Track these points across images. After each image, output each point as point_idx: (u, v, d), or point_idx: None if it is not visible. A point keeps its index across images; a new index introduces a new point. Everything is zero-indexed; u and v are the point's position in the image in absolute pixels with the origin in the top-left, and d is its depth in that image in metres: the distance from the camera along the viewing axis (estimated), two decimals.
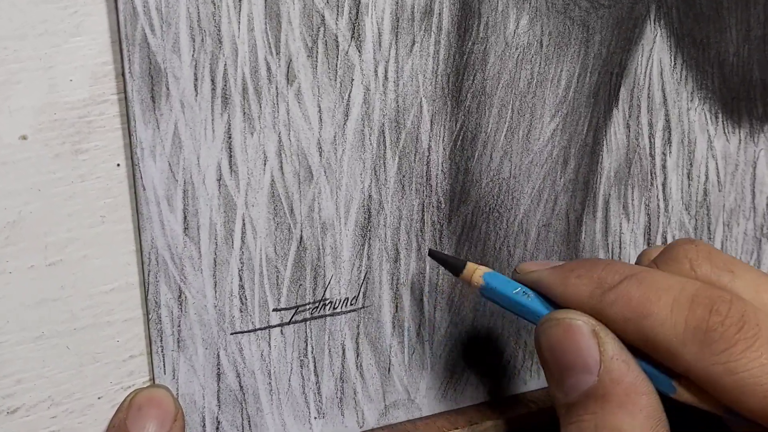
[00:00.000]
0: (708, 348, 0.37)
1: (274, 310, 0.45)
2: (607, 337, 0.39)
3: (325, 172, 0.44)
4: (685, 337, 0.37)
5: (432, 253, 0.46)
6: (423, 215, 0.47)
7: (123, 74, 0.40)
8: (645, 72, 0.51)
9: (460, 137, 0.47)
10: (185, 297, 0.43)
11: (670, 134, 0.52)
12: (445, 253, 0.47)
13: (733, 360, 0.37)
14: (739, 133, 0.54)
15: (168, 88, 0.41)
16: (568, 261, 0.43)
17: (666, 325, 0.38)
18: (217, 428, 0.45)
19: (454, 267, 0.44)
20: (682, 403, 0.39)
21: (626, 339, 0.39)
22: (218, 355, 0.44)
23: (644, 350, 0.39)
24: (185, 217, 0.42)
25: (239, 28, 0.41)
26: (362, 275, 0.46)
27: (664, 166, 0.52)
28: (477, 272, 0.43)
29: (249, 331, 0.45)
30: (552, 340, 0.40)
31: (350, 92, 0.44)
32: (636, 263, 0.44)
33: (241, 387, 0.45)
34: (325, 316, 0.46)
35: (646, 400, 0.38)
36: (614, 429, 0.38)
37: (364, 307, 0.47)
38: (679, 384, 0.39)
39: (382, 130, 0.45)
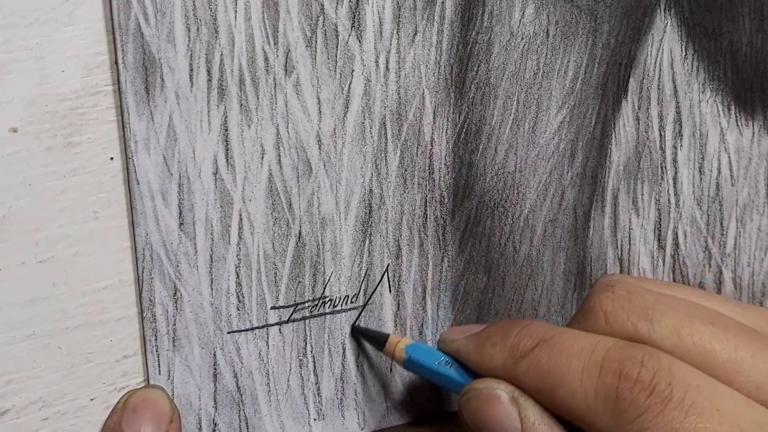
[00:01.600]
0: (620, 417, 0.37)
1: (272, 308, 0.45)
2: (526, 403, 0.39)
3: (324, 165, 0.44)
4: (596, 407, 0.37)
5: (354, 330, 0.46)
6: (425, 210, 0.47)
7: (116, 65, 0.40)
8: (655, 62, 0.51)
9: (464, 130, 0.47)
10: (181, 295, 0.43)
11: (681, 127, 0.52)
12: (367, 327, 0.47)
13: (646, 428, 0.36)
14: (753, 125, 0.54)
15: (163, 79, 0.41)
16: (488, 326, 0.43)
17: (577, 395, 0.38)
18: (214, 430, 0.45)
19: (377, 341, 0.45)
20: None
21: (544, 407, 0.39)
22: (215, 355, 0.44)
23: (562, 418, 0.39)
24: (180, 212, 0.42)
25: (236, 17, 0.41)
26: (363, 272, 0.46)
27: (674, 160, 0.52)
28: (399, 345, 0.45)
29: (246, 330, 0.45)
30: (473, 411, 0.41)
31: (350, 83, 0.44)
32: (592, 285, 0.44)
33: (238, 388, 0.45)
34: (325, 314, 0.46)
35: None
36: None
37: (365, 305, 0.47)
38: None
39: (384, 123, 0.45)
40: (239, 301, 0.44)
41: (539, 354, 0.39)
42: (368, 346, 0.47)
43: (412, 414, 0.49)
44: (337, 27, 0.43)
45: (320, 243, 0.45)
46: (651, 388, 0.37)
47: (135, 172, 0.41)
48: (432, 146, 0.46)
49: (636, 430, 0.36)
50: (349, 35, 0.43)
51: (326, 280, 0.46)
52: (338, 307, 0.46)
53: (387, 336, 0.45)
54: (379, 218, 0.46)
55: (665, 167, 0.52)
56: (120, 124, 0.41)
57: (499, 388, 0.40)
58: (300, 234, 0.45)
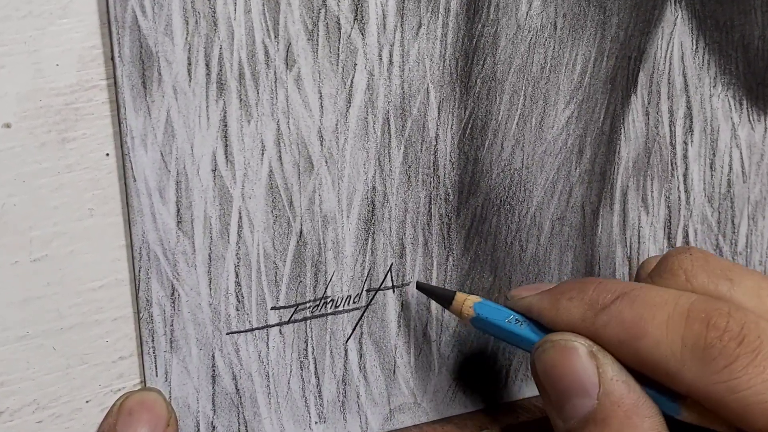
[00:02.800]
0: (708, 366, 0.37)
1: (272, 308, 0.45)
2: (605, 359, 0.39)
3: (326, 162, 0.44)
4: (683, 356, 0.37)
5: (420, 286, 0.46)
6: (430, 208, 0.47)
7: (112, 58, 0.40)
8: (665, 56, 0.51)
9: (470, 125, 0.47)
10: (178, 294, 0.43)
11: (692, 122, 0.52)
12: (433, 284, 0.47)
13: (735, 377, 0.36)
14: (765, 120, 0.54)
15: (160, 73, 0.41)
16: (561, 283, 0.43)
17: (662, 345, 0.38)
18: None
19: (443, 298, 0.45)
20: (689, 424, 0.39)
21: (623, 361, 0.39)
22: (213, 356, 0.44)
23: (642, 372, 0.39)
24: (178, 210, 0.42)
25: (235, 9, 0.41)
26: (366, 271, 0.46)
27: (685, 156, 0.52)
28: (467, 302, 0.44)
29: (246, 331, 0.45)
30: (548, 364, 0.40)
31: (353, 78, 0.44)
32: (636, 274, 0.44)
33: (237, 390, 0.45)
34: (327, 314, 0.46)
35: (649, 423, 0.38)
36: None
37: (367, 305, 0.47)
38: (684, 405, 0.39)
39: (387, 118, 0.45)
40: (238, 302, 0.44)
41: (621, 306, 0.39)
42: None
43: (416, 417, 0.49)
44: (339, 20, 0.43)
45: (322, 242, 0.45)
46: (741, 338, 0.37)
47: (131, 168, 0.41)
48: (437, 142, 0.46)
49: (725, 379, 0.36)
50: (352, 28, 0.43)
51: (328, 279, 0.46)
52: (340, 308, 0.46)
53: (454, 293, 0.45)
54: (382, 216, 0.46)
55: (675, 163, 0.52)
56: (116, 120, 0.41)
57: (577, 341, 0.40)
58: (301, 232, 0.45)
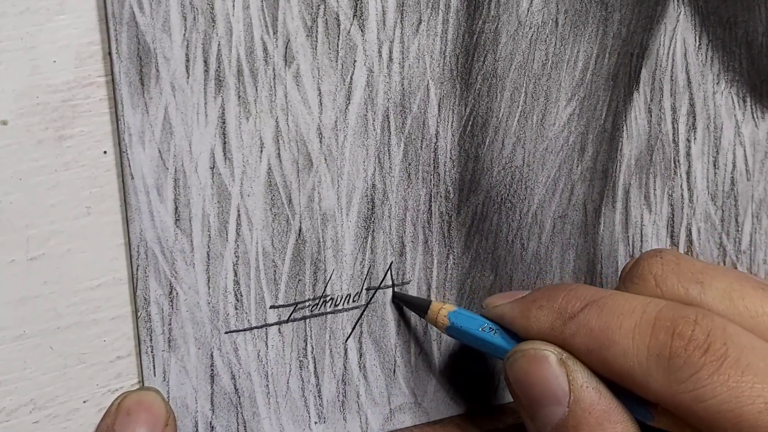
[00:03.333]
0: (673, 375, 0.37)
1: (271, 307, 0.45)
2: (575, 365, 0.40)
3: (325, 159, 0.44)
4: (648, 365, 0.38)
5: (395, 296, 0.47)
6: (430, 206, 0.47)
7: (110, 55, 0.40)
8: (668, 53, 0.51)
9: (470, 122, 0.47)
10: (176, 293, 0.43)
11: (695, 119, 0.52)
12: (407, 294, 0.48)
13: (701, 386, 0.37)
14: None
15: (158, 70, 0.41)
16: (534, 290, 0.43)
17: (628, 354, 0.38)
18: None
19: (419, 308, 0.46)
20: (661, 430, 0.39)
21: (593, 369, 0.40)
22: (212, 356, 0.44)
23: (612, 380, 0.39)
24: (176, 208, 0.42)
25: (234, 5, 0.41)
26: (365, 270, 0.46)
27: (688, 154, 0.52)
28: (442, 311, 0.45)
29: (245, 330, 0.45)
30: (519, 373, 0.41)
31: (352, 74, 0.44)
32: (619, 279, 0.44)
33: (236, 389, 0.45)
34: (326, 313, 0.46)
35: (621, 428, 0.39)
36: None
37: (367, 304, 0.47)
38: (655, 411, 0.39)
39: (387, 115, 0.45)
40: (237, 300, 0.44)
41: (588, 315, 0.40)
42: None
43: (416, 417, 0.49)
44: (338, 16, 0.43)
45: (321, 240, 0.45)
46: (706, 347, 0.37)
47: (129, 166, 0.41)
48: (437, 139, 0.46)
49: (690, 389, 0.37)
50: (351, 24, 0.43)
51: (327, 278, 0.46)
52: (339, 307, 0.46)
53: (429, 303, 0.45)
54: (382, 214, 0.46)
55: (678, 161, 0.52)
56: (114, 117, 0.41)
57: (547, 349, 0.40)
58: (300, 230, 0.45)
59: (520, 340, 0.42)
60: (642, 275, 0.42)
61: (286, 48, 0.43)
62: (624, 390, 0.39)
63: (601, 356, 0.39)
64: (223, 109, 0.42)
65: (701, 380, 0.37)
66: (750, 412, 0.36)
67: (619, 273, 0.46)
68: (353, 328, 0.47)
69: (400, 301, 0.47)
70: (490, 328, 0.44)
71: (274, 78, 0.43)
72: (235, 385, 0.45)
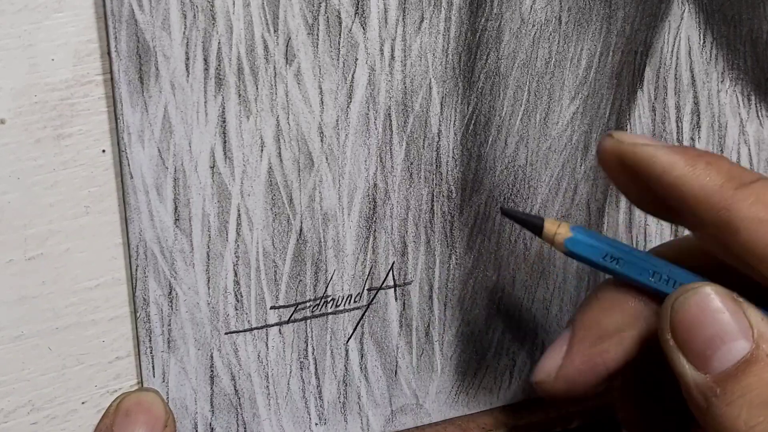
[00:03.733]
0: None
1: (271, 307, 0.45)
2: (746, 303, 0.38)
3: (326, 158, 0.44)
4: None
5: (504, 212, 0.43)
6: (432, 205, 0.47)
7: (109, 53, 0.40)
8: (672, 51, 0.50)
9: (473, 121, 0.47)
10: (176, 294, 0.43)
11: (699, 118, 0.52)
12: (518, 210, 0.45)
13: None
14: None
15: (157, 68, 0.41)
16: (682, 146, 0.41)
17: None
18: None
19: (532, 226, 0.42)
20: None
21: (758, 244, 0.38)
22: (212, 357, 0.44)
23: None
24: (176, 208, 0.42)
25: (234, 3, 0.41)
26: (367, 270, 0.46)
27: None
28: (558, 237, 0.41)
29: (245, 331, 0.45)
30: (690, 312, 0.39)
31: (354, 73, 0.44)
32: None
33: (236, 391, 0.45)
34: (327, 314, 0.46)
35: None
36: None
37: (368, 304, 0.47)
38: None
39: (389, 114, 0.45)
40: (237, 301, 0.44)
41: (766, 186, 0.38)
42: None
43: (418, 418, 0.49)
44: (340, 13, 0.43)
45: (322, 240, 0.45)
46: None
47: (128, 165, 0.41)
48: (439, 138, 0.46)
49: None
50: (353, 22, 0.43)
51: (328, 278, 0.46)
52: (341, 307, 0.46)
53: (542, 221, 0.41)
54: (383, 214, 0.46)
55: None
56: (112, 115, 0.41)
57: (716, 288, 0.39)
58: (301, 230, 0.45)
59: (650, 269, 0.40)
60: None
61: (287, 46, 0.42)
62: None
63: None
64: (224, 108, 0.42)
65: None
66: None
67: None
68: (354, 329, 0.47)
69: (510, 217, 0.43)
70: (612, 257, 0.40)
71: (275, 76, 0.43)
72: (235, 386, 0.45)
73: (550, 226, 0.41)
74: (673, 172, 0.39)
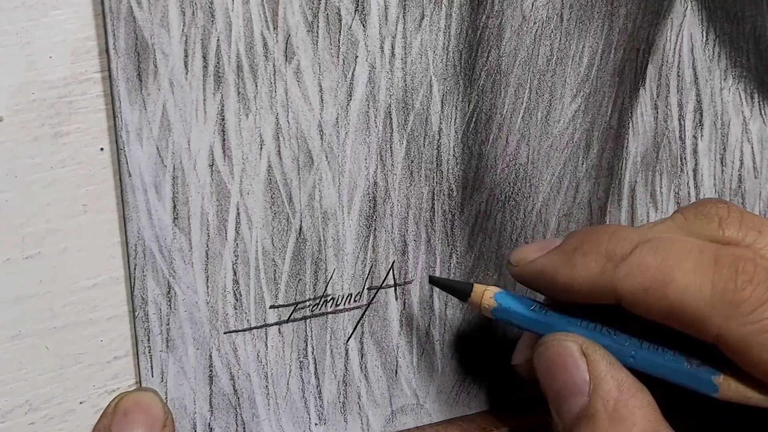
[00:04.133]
0: (738, 309, 0.38)
1: (271, 307, 0.45)
2: (595, 354, 0.40)
3: (326, 156, 0.44)
4: (712, 299, 0.38)
5: (432, 281, 0.45)
6: (433, 204, 0.47)
7: (107, 50, 0.40)
8: (674, 48, 0.50)
9: (474, 119, 0.47)
10: (174, 293, 0.43)
11: (702, 116, 0.52)
12: (445, 278, 0.47)
13: (765, 318, 0.37)
14: None
15: (156, 66, 0.41)
16: (568, 237, 0.43)
17: (690, 289, 0.38)
18: None
19: (460, 292, 0.44)
20: (726, 403, 0.39)
21: (648, 311, 0.39)
22: (210, 356, 0.44)
23: (668, 321, 0.39)
24: (175, 206, 0.42)
25: (233, 0, 0.41)
26: (367, 269, 0.46)
27: (695, 151, 0.52)
28: (487, 293, 0.43)
29: (244, 330, 0.45)
30: (544, 365, 0.41)
31: (354, 70, 0.44)
32: (674, 213, 0.44)
33: (235, 390, 0.45)
34: (327, 313, 0.46)
35: (640, 414, 0.39)
36: None
37: (368, 303, 0.47)
38: (722, 379, 0.39)
39: (389, 112, 0.45)
40: (236, 300, 0.44)
41: (642, 254, 0.40)
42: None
43: (418, 419, 0.49)
44: (340, 11, 0.43)
45: (322, 239, 0.45)
46: None
47: (126, 163, 0.41)
48: (440, 136, 0.46)
49: (756, 320, 0.37)
50: (353, 19, 0.43)
51: (328, 277, 0.45)
52: (341, 306, 0.46)
53: (471, 285, 0.44)
54: (384, 212, 0.46)
55: (685, 158, 0.52)
56: (111, 113, 0.41)
57: (568, 339, 0.41)
58: (300, 229, 0.45)
59: (571, 314, 0.42)
60: (708, 214, 0.42)
61: (286, 43, 0.42)
62: (688, 361, 0.40)
63: (659, 293, 0.39)
64: (223, 106, 0.42)
65: (766, 312, 0.37)
66: None
67: (675, 209, 0.46)
68: (354, 329, 0.47)
69: (438, 286, 0.46)
70: (540, 306, 0.42)
71: (275, 74, 0.42)
72: (234, 386, 0.45)
73: (478, 289, 0.43)
74: (560, 276, 0.41)
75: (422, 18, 0.44)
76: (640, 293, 0.39)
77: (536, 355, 0.42)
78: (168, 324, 0.43)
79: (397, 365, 0.48)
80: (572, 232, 0.43)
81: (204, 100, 0.42)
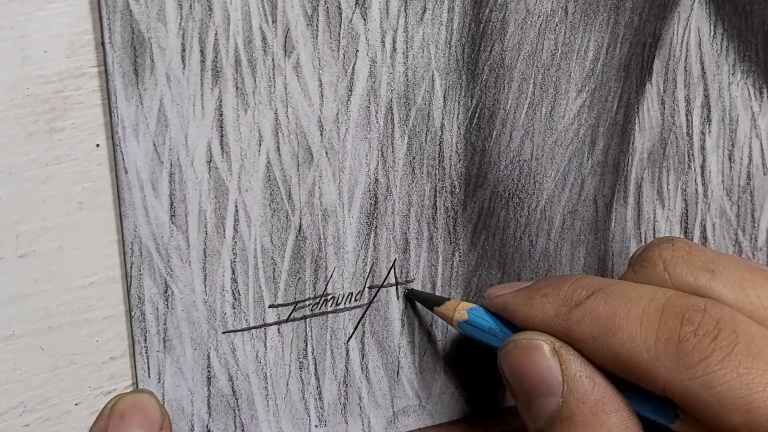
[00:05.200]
0: (682, 361, 0.37)
1: (270, 306, 0.45)
2: (568, 355, 0.40)
3: (326, 153, 0.44)
4: (657, 351, 0.38)
5: (409, 294, 0.47)
6: (435, 201, 0.47)
7: (103, 44, 0.40)
8: (681, 42, 0.50)
9: (477, 115, 0.47)
10: (172, 292, 0.43)
11: (710, 111, 0.52)
12: (421, 291, 0.48)
13: (710, 372, 0.37)
14: None
15: (153, 60, 0.41)
16: (538, 280, 0.44)
17: (636, 340, 0.39)
18: None
19: (435, 303, 0.46)
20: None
21: (598, 358, 0.40)
22: (209, 357, 0.44)
23: (616, 370, 0.40)
24: (172, 203, 0.42)
25: None
26: (368, 268, 0.46)
27: (702, 147, 0.52)
28: (461, 306, 0.45)
29: (242, 330, 0.45)
30: (513, 364, 0.42)
31: (354, 65, 0.44)
32: (628, 263, 0.44)
33: (233, 392, 0.45)
34: (327, 312, 0.46)
35: (616, 419, 0.39)
36: None
37: (369, 303, 0.47)
38: (679, 423, 0.39)
39: (390, 107, 0.45)
40: (235, 299, 0.44)
41: (595, 301, 0.40)
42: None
43: (420, 420, 0.49)
44: (340, 4, 0.43)
45: (322, 236, 0.45)
46: (715, 333, 0.37)
47: (123, 160, 0.41)
48: (442, 132, 0.46)
49: (699, 374, 0.37)
50: (353, 13, 0.43)
51: (328, 276, 0.46)
52: (341, 306, 0.46)
53: (446, 299, 0.46)
54: (385, 210, 0.46)
55: (692, 155, 0.52)
56: (107, 109, 0.41)
57: (539, 339, 0.41)
58: (300, 227, 0.45)
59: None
60: (651, 260, 0.42)
61: (285, 37, 0.42)
62: (645, 393, 0.39)
63: (607, 342, 0.39)
64: (221, 101, 0.42)
65: (711, 366, 0.37)
66: (761, 399, 0.36)
67: (630, 258, 0.46)
68: (355, 328, 0.47)
69: (415, 299, 0.47)
70: (511, 326, 0.44)
71: (274, 68, 0.43)
72: (232, 387, 0.45)
73: (453, 301, 0.45)
74: (518, 313, 0.42)
75: (424, 11, 0.45)
76: (589, 341, 0.40)
77: (504, 353, 0.42)
78: (165, 324, 0.43)
79: (398, 366, 0.48)
80: (542, 278, 0.44)
81: (201, 95, 0.42)
